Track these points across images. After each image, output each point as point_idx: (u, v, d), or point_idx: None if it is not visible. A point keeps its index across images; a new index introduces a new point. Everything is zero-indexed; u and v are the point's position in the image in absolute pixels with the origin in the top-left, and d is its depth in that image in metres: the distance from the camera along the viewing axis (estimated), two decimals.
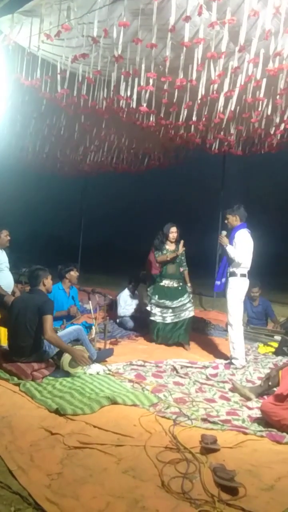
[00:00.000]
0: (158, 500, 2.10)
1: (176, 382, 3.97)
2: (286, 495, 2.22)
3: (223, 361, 4.77)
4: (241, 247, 4.60)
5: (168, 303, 5.57)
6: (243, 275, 4.67)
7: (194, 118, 5.16)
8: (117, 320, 6.66)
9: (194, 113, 5.11)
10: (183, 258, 5.70)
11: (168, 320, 5.57)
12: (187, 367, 4.46)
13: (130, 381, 3.88)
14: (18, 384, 3.61)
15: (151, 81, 4.35)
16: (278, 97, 4.59)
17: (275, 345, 5.60)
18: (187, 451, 2.60)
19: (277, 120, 5.13)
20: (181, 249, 5.57)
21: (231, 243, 4.70)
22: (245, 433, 2.93)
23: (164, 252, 5.64)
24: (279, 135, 5.99)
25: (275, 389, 3.44)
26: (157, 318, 5.61)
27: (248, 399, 3.60)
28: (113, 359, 4.60)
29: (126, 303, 6.70)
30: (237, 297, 4.67)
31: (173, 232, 5.63)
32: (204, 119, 5.34)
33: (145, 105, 4.47)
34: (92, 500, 2.07)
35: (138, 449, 2.61)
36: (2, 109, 5.49)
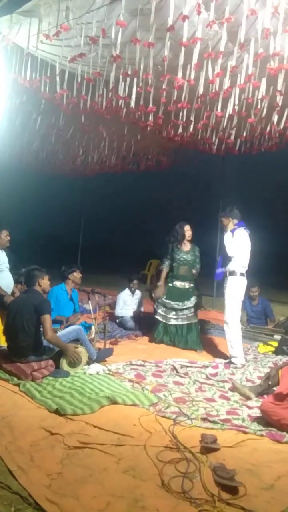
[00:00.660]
0: (158, 500, 2.10)
1: (176, 382, 3.97)
2: (286, 494, 2.22)
3: (223, 361, 4.77)
4: (238, 246, 4.67)
5: (173, 304, 5.53)
6: (242, 274, 4.70)
7: (192, 118, 5.17)
8: (117, 320, 6.67)
9: (193, 112, 5.12)
10: (197, 260, 5.62)
11: (172, 322, 5.52)
12: (187, 366, 4.47)
13: (130, 380, 3.88)
14: (18, 385, 3.61)
15: (150, 81, 4.36)
16: (277, 97, 4.60)
17: (275, 344, 5.60)
18: (187, 450, 2.60)
19: (275, 120, 5.13)
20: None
21: (229, 243, 4.74)
22: (245, 433, 2.93)
23: (181, 255, 5.58)
24: (278, 134, 6.01)
25: (274, 388, 3.44)
26: (160, 318, 5.61)
27: (248, 398, 3.60)
28: (112, 359, 4.60)
29: (126, 303, 6.70)
30: (236, 296, 4.69)
31: (187, 230, 5.61)
32: (204, 118, 5.35)
33: (149, 104, 4.48)
34: (92, 500, 2.07)
35: (138, 448, 2.61)
36: (1, 109, 5.50)
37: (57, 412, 3.06)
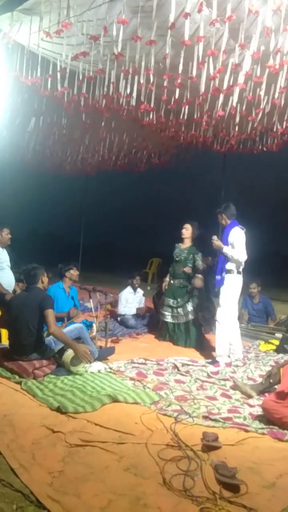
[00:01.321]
0: (159, 498, 2.10)
1: (177, 380, 3.97)
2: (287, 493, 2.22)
3: (225, 359, 4.75)
4: (238, 245, 4.61)
5: (170, 301, 5.59)
6: (239, 273, 4.69)
7: (194, 116, 5.16)
8: (118, 318, 6.67)
9: (195, 110, 5.11)
10: (190, 258, 5.57)
11: (168, 319, 5.59)
12: (188, 365, 4.46)
13: (131, 379, 3.89)
14: (19, 383, 3.61)
15: (151, 79, 4.35)
16: (277, 95, 4.58)
17: (276, 342, 5.59)
18: (188, 448, 2.60)
19: (277, 118, 5.12)
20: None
21: (225, 242, 4.68)
22: (247, 431, 2.93)
23: (177, 251, 5.65)
24: (280, 133, 6.00)
25: (276, 386, 3.44)
26: (161, 316, 5.68)
27: (250, 396, 3.60)
28: (114, 357, 4.60)
29: (128, 301, 6.70)
30: (234, 295, 4.68)
31: (183, 229, 5.63)
32: (205, 116, 5.34)
33: (145, 102, 4.47)
34: (93, 498, 2.07)
35: (140, 446, 2.61)
36: (2, 108, 5.49)
37: (58, 410, 3.06)
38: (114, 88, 4.74)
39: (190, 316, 5.48)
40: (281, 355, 5.14)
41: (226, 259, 4.67)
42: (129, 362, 4.39)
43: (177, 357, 4.72)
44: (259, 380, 3.93)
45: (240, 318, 6.86)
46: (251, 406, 3.43)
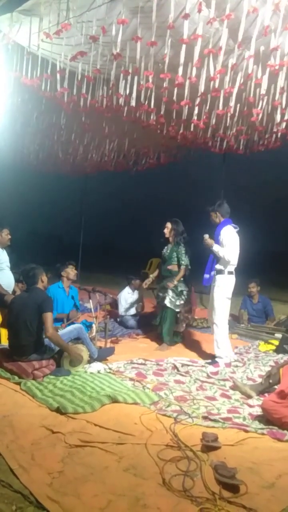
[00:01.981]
0: (159, 498, 2.10)
1: (177, 380, 3.97)
2: (287, 493, 2.22)
3: (224, 360, 4.75)
4: (228, 244, 4.57)
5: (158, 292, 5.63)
6: (230, 273, 4.63)
7: (194, 117, 5.16)
8: (118, 319, 6.67)
9: (195, 111, 5.10)
10: (173, 255, 5.47)
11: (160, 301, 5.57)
12: (188, 365, 4.46)
13: (131, 379, 3.89)
14: (19, 383, 3.61)
15: (150, 79, 4.35)
16: (277, 95, 4.59)
17: (276, 343, 5.59)
18: (188, 449, 2.61)
19: (278, 118, 5.11)
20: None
21: (216, 240, 4.63)
22: (246, 431, 2.93)
23: (164, 250, 5.62)
24: (280, 133, 6.00)
25: (276, 387, 3.44)
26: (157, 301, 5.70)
27: (249, 397, 3.60)
28: (114, 357, 4.60)
29: (127, 302, 6.71)
30: (225, 295, 4.64)
31: (165, 228, 5.56)
32: (204, 117, 5.34)
33: (145, 103, 4.47)
34: (93, 498, 2.07)
35: (139, 447, 2.62)
36: (2, 108, 5.49)
37: (58, 410, 3.06)
38: (114, 89, 4.74)
39: (168, 303, 5.34)
40: (280, 355, 5.14)
41: (216, 258, 4.64)
42: (129, 362, 4.39)
43: (177, 357, 4.72)
44: (259, 380, 3.93)
45: (239, 318, 6.89)
46: (250, 406, 3.43)
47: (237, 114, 5.33)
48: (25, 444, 2.57)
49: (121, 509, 2.01)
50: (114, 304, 7.01)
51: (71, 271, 5.31)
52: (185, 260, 5.40)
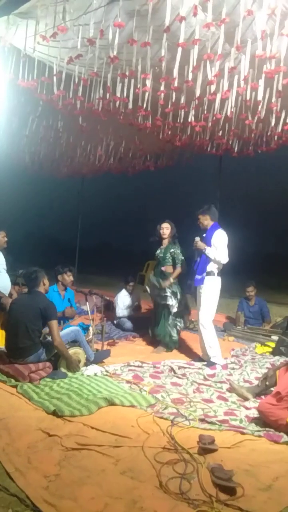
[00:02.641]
0: (156, 501, 2.10)
1: (173, 383, 3.97)
2: (284, 495, 2.22)
3: (219, 359, 4.74)
4: (221, 247, 4.63)
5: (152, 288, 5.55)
6: (218, 274, 4.71)
7: (191, 119, 5.18)
8: (115, 321, 6.67)
9: (191, 114, 5.12)
10: (167, 256, 5.41)
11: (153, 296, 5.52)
12: (185, 367, 4.47)
13: (128, 382, 3.88)
14: (15, 386, 3.60)
15: (147, 82, 4.37)
16: (273, 99, 4.62)
17: (272, 345, 5.61)
18: (185, 451, 2.60)
19: (273, 122, 5.15)
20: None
21: (208, 243, 4.67)
22: (243, 433, 2.93)
23: (157, 252, 5.56)
24: (276, 136, 6.04)
25: (272, 389, 3.45)
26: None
27: (246, 399, 3.61)
28: (110, 360, 4.59)
29: (124, 304, 6.70)
30: (215, 296, 4.69)
31: (163, 228, 5.49)
32: (201, 120, 5.36)
33: (142, 106, 4.49)
34: (90, 502, 2.07)
35: (136, 450, 2.61)
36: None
37: (54, 413, 3.05)
38: (110, 92, 4.76)
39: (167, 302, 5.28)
40: (277, 357, 5.16)
41: (208, 260, 4.68)
42: (126, 365, 4.39)
43: (174, 359, 4.73)
44: (256, 382, 3.94)
45: (236, 320, 6.90)
46: (247, 408, 3.43)
47: (234, 117, 5.35)
48: (21, 447, 2.56)
49: None
50: (110, 306, 7.00)
51: (67, 277, 5.31)
52: (181, 260, 5.38)
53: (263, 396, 3.55)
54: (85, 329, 5.10)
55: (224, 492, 2.19)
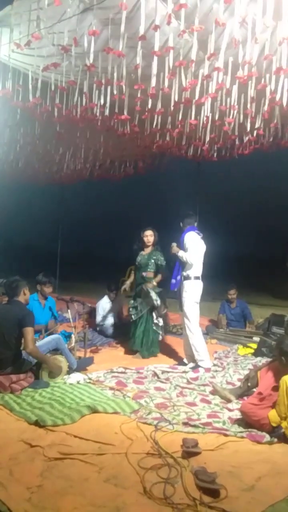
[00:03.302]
0: (140, 507, 2.09)
1: (157, 388, 3.97)
2: (267, 495, 2.25)
3: (206, 363, 4.76)
4: (190, 248, 4.75)
5: (132, 303, 5.56)
6: (196, 278, 4.78)
7: (168, 126, 5.24)
8: (97, 328, 6.62)
9: (168, 120, 5.17)
10: (150, 262, 5.43)
11: (134, 318, 5.49)
12: (168, 372, 4.48)
13: (111, 388, 3.86)
14: None
15: (124, 89, 4.40)
16: (248, 105, 4.71)
17: (254, 346, 5.68)
18: (168, 456, 2.61)
19: (248, 127, 5.25)
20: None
21: (181, 247, 4.84)
22: (226, 435, 2.96)
23: (139, 258, 5.58)
24: (252, 141, 6.14)
25: (254, 389, 3.49)
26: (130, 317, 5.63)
27: (229, 401, 3.64)
28: (93, 367, 4.56)
29: (105, 311, 6.67)
30: (193, 300, 4.75)
31: (147, 236, 5.52)
32: (178, 126, 5.41)
33: (119, 112, 4.50)
34: (73, 511, 2.04)
35: (120, 456, 2.60)
36: None
37: (36, 423, 3.01)
38: (88, 99, 4.76)
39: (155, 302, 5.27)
40: (259, 358, 5.22)
41: (182, 264, 4.78)
42: (109, 371, 4.37)
43: (157, 364, 4.73)
44: (238, 384, 3.98)
45: (218, 323, 6.96)
46: (230, 410, 3.46)
47: (209, 123, 5.43)
48: (2, 459, 2.52)
49: None
50: (93, 312, 6.95)
51: (46, 289, 5.29)
52: (164, 266, 5.41)
53: (245, 397, 3.59)
54: (67, 337, 5.06)
55: (208, 495, 2.21)
